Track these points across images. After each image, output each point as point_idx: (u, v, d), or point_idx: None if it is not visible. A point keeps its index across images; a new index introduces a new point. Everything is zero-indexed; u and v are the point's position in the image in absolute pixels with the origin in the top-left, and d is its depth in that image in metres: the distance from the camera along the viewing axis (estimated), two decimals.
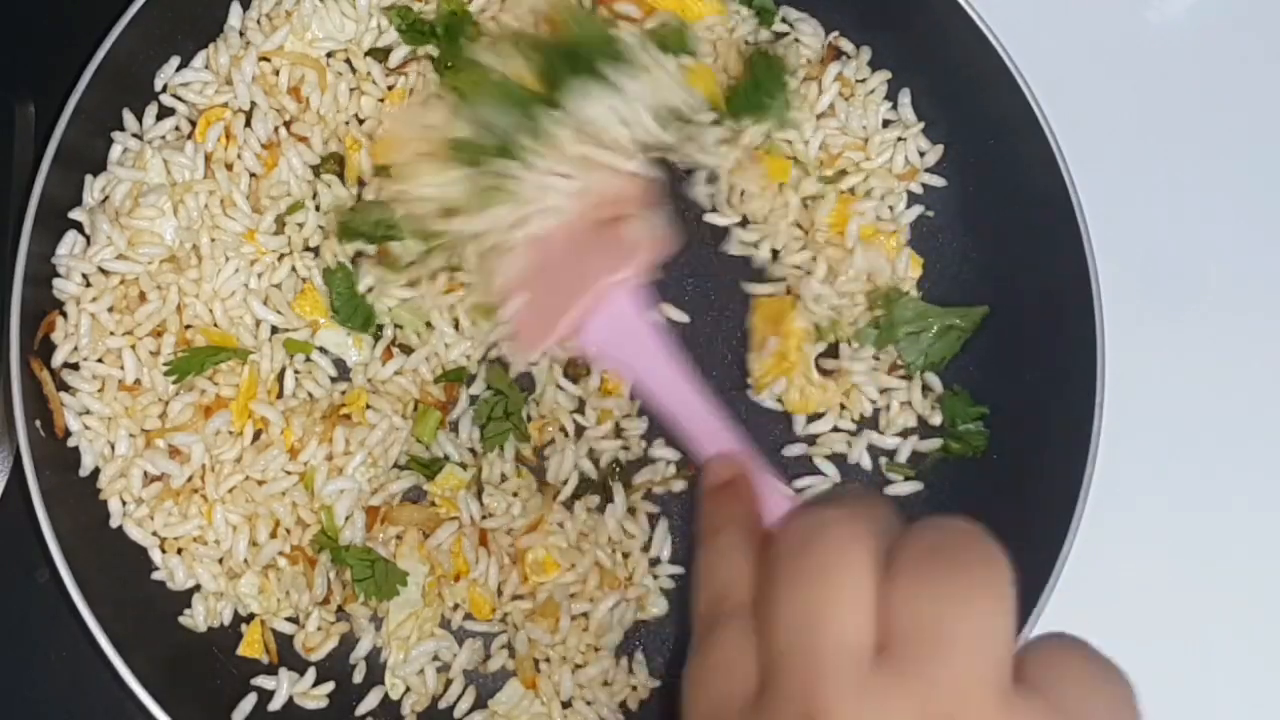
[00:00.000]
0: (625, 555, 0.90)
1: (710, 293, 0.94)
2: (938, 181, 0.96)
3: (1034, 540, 0.82)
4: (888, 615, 0.45)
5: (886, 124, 0.96)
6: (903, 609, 0.45)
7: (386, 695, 0.87)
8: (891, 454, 0.93)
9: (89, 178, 0.87)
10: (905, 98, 0.97)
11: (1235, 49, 1.05)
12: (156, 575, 0.85)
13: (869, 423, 0.93)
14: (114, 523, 0.84)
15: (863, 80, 0.96)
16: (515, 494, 0.89)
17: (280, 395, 0.88)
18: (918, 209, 0.96)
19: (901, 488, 0.92)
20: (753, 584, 0.51)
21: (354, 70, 0.92)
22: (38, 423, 0.82)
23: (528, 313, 0.75)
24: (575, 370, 0.92)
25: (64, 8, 0.89)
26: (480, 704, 0.88)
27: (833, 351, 0.93)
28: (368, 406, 0.88)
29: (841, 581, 0.46)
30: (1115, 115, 1.00)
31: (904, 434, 0.93)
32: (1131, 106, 1.02)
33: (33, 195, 0.82)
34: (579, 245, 0.74)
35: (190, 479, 0.85)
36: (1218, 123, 1.03)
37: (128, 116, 0.89)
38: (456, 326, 0.90)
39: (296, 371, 0.89)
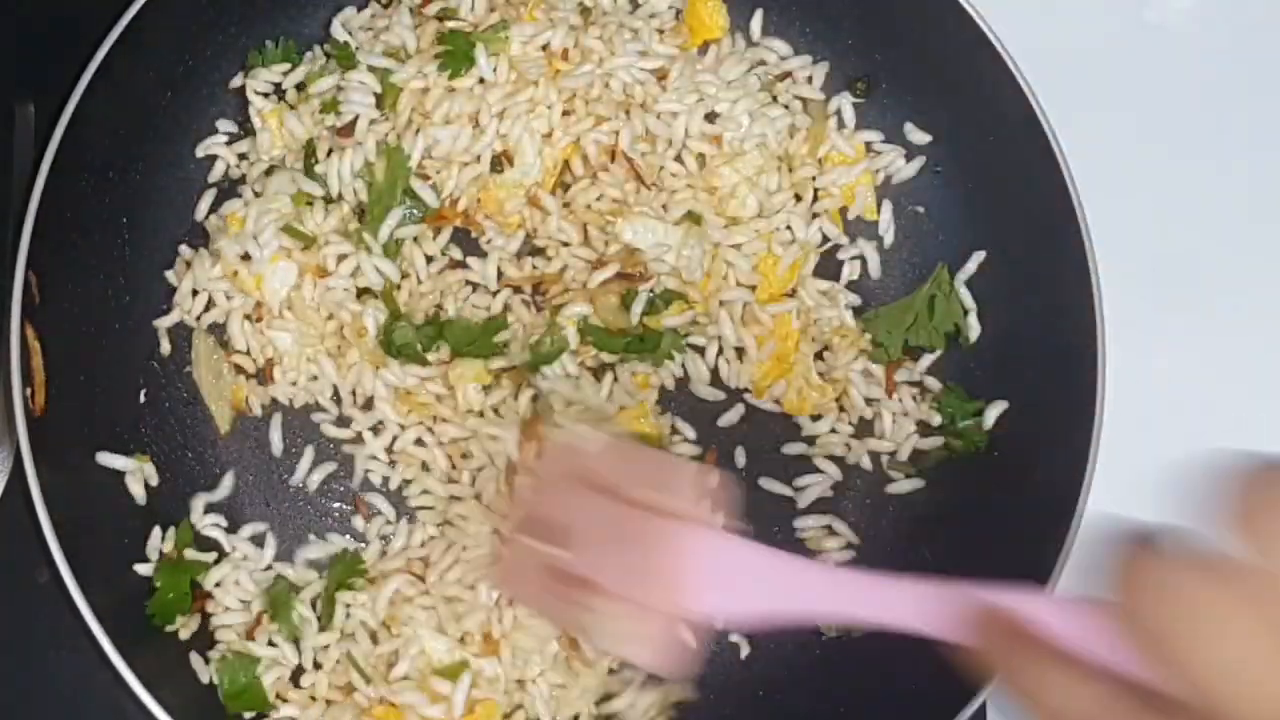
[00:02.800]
0: None
1: None
2: (936, 181, 0.96)
3: (1034, 539, 0.83)
4: None
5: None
6: None
7: None
8: (893, 453, 0.93)
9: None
10: None
11: (1235, 49, 1.05)
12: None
13: (868, 429, 0.93)
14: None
15: None
16: None
17: None
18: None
19: (903, 485, 0.93)
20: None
21: None
22: (28, 391, 0.81)
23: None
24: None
25: (64, 8, 0.89)
26: None
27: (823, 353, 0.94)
28: None
29: None
30: (1115, 115, 1.00)
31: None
32: (1131, 106, 1.02)
33: (33, 195, 0.82)
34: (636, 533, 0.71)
35: None
36: (1218, 122, 1.03)
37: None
38: None
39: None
